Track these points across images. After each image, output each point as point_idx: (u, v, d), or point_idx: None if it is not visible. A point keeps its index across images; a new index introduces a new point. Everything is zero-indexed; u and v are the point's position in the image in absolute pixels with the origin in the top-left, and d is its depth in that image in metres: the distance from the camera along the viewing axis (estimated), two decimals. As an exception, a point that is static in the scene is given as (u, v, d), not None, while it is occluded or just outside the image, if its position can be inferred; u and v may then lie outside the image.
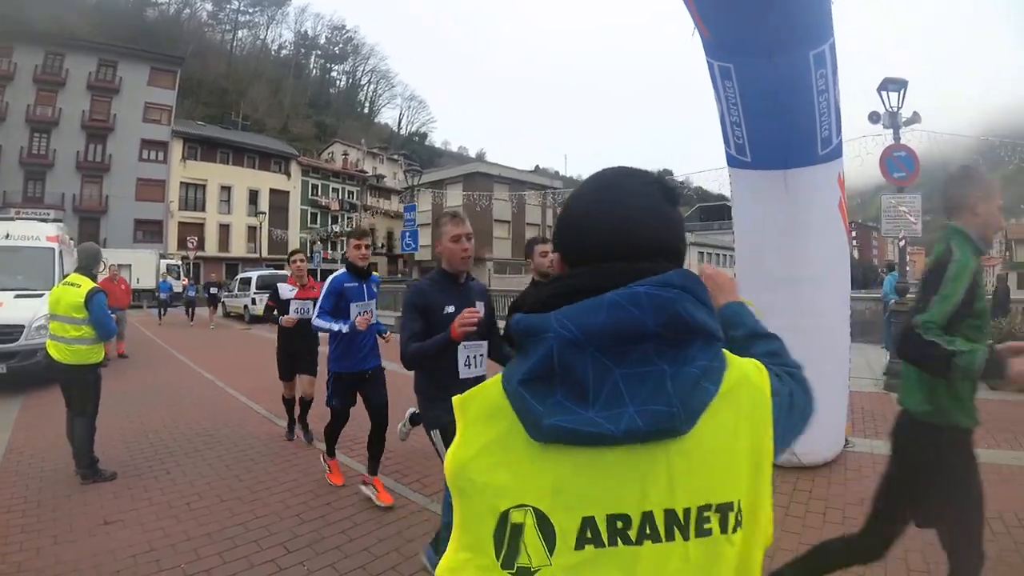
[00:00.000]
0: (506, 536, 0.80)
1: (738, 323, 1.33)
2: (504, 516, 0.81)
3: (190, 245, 42.24)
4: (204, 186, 50.69)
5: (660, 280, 0.85)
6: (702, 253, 58.67)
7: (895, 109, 9.05)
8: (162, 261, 37.06)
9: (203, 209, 50.51)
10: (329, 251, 56.09)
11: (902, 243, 9.58)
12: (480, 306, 3.26)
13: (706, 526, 0.82)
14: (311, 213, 59.18)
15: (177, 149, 49.05)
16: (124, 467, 5.68)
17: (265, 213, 48.94)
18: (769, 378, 0.93)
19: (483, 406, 0.88)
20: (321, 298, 4.89)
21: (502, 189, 46.08)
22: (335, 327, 4.71)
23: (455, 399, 0.90)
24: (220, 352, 14.71)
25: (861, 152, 11.63)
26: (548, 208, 54.74)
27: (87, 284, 5.46)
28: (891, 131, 9.16)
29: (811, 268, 5.44)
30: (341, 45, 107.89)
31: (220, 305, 23.70)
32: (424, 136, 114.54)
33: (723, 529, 0.83)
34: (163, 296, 23.63)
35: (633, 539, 0.80)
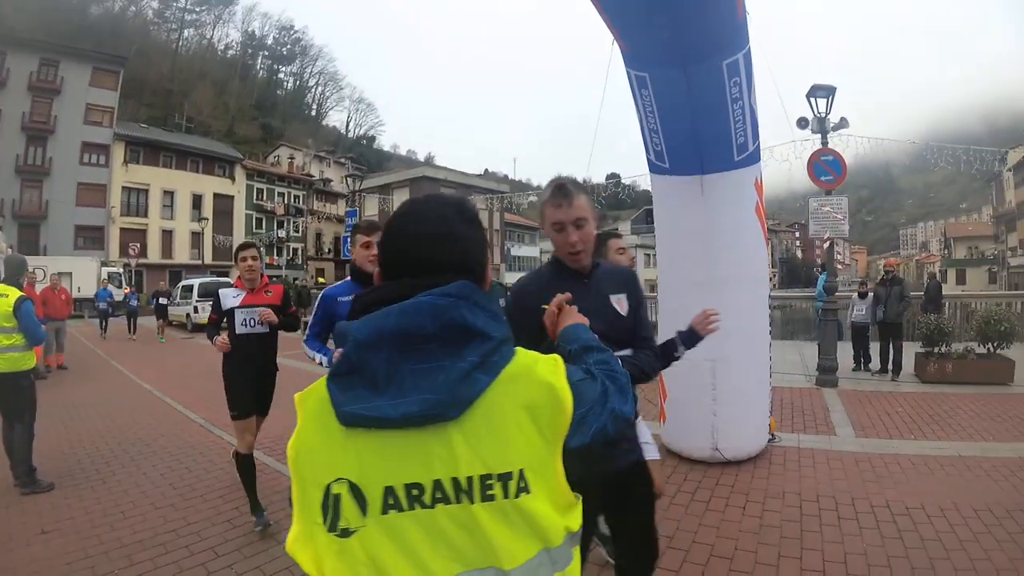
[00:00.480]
0: (330, 505, 1.01)
1: (574, 339, 1.51)
2: (327, 488, 1.01)
3: (132, 252, 40.07)
4: (147, 191, 48.89)
5: (441, 291, 1.04)
6: (648, 255, 59.38)
7: (823, 115, 9.39)
8: (103, 268, 35.81)
9: (146, 215, 48.74)
10: (275, 256, 55.40)
11: (826, 244, 10.01)
12: None
13: (489, 492, 1.01)
14: (256, 218, 57.82)
15: (119, 152, 47.22)
16: (62, 477, 5.65)
17: (208, 219, 48.18)
18: (564, 372, 1.11)
19: (314, 400, 1.06)
20: (311, 318, 3.86)
21: (448, 192, 46.04)
22: (316, 358, 3.73)
23: (296, 396, 1.08)
24: (160, 362, 14.43)
25: (790, 157, 11.98)
26: (496, 212, 55.28)
27: (14, 293, 5.52)
28: (819, 136, 9.50)
29: (728, 270, 5.63)
30: (289, 46, 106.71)
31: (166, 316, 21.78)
32: (372, 139, 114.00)
33: (505, 495, 1.01)
34: (102, 306, 21.51)
35: (428, 503, 1.00)
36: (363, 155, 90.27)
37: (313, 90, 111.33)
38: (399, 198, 46.81)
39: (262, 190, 59.28)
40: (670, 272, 6.12)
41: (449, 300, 1.04)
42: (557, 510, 1.07)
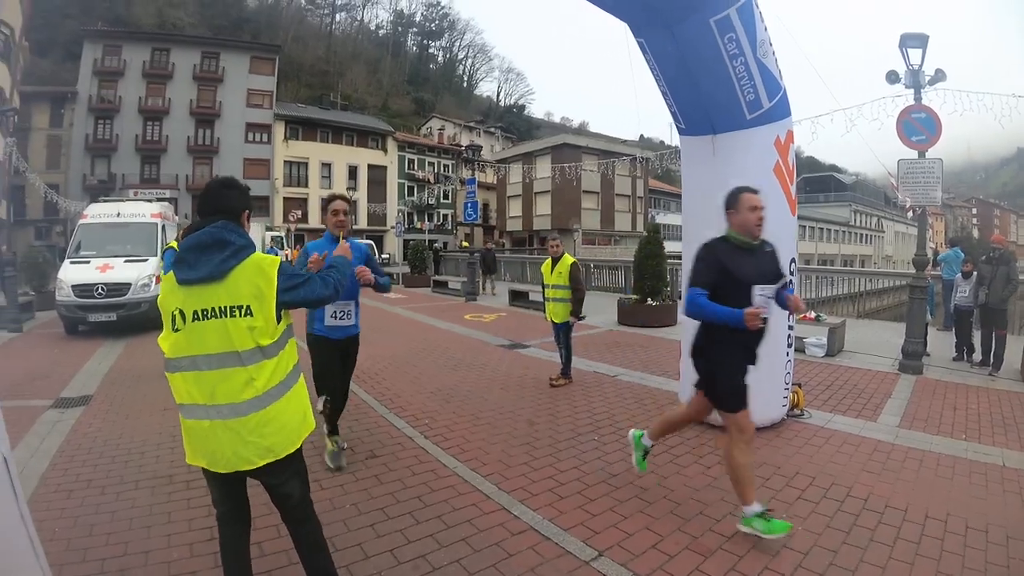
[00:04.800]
0: (171, 319, 2.38)
1: (330, 266, 2.78)
2: (171, 312, 2.38)
3: (291, 218, 44.64)
4: (306, 163, 53.42)
5: (214, 223, 2.41)
6: (803, 226, 55.67)
7: (916, 67, 8.43)
8: (267, 233, 39.56)
9: (306, 185, 53.24)
10: (425, 222, 57.93)
11: (918, 212, 8.97)
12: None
13: (233, 314, 2.33)
14: (408, 186, 61.18)
15: (280, 130, 51.94)
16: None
17: (354, 188, 52.19)
18: (277, 265, 2.41)
19: (168, 274, 2.47)
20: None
21: (591, 160, 45.71)
22: None
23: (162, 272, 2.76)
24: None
25: (881, 115, 10.77)
26: (639, 179, 54.06)
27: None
28: (912, 91, 8.55)
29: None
30: (437, 21, 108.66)
31: None
32: (522, 108, 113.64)
33: (241, 315, 2.33)
34: None
35: (210, 317, 2.33)
36: (513, 124, 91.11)
37: (463, 62, 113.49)
38: (542, 165, 47.40)
39: (413, 160, 62.64)
40: (689, 232, 5.96)
41: (217, 227, 2.39)
42: (267, 330, 2.37)
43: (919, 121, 8.33)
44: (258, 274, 2.35)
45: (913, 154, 8.39)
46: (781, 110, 5.45)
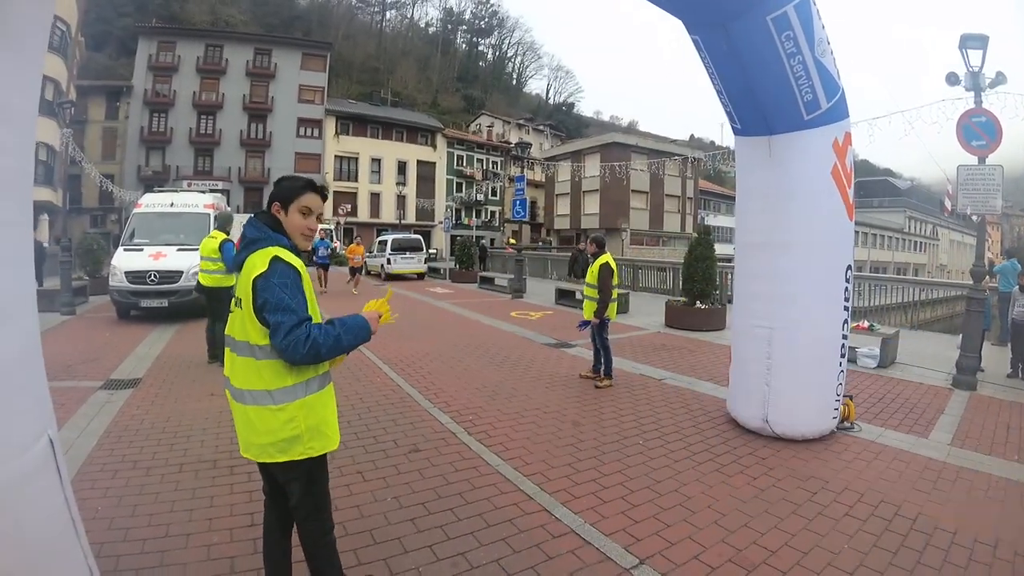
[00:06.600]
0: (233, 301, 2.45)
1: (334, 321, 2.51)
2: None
3: (340, 212, 45.43)
4: (356, 158, 54.31)
5: (250, 219, 2.50)
6: (856, 232, 54.13)
7: (976, 69, 8.07)
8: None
9: (356, 179, 54.17)
10: (473, 218, 58.16)
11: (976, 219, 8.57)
12: None
13: (239, 304, 2.36)
14: (456, 183, 61.68)
15: (330, 126, 52.88)
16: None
17: (403, 183, 53.27)
18: (267, 265, 2.25)
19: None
20: None
21: (640, 159, 45.35)
22: None
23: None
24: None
25: (940, 118, 10.32)
26: (689, 179, 53.31)
27: (220, 236, 8.26)
28: (972, 94, 8.18)
29: (793, 235, 5.33)
30: (486, 19, 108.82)
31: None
32: (571, 106, 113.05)
33: (241, 307, 2.33)
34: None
35: (235, 306, 2.40)
36: (563, 122, 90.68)
37: (512, 60, 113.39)
38: (591, 163, 47.42)
39: (462, 156, 63.16)
40: (742, 234, 5.93)
41: (246, 224, 2.46)
42: (256, 331, 2.28)
43: (979, 125, 7.98)
44: (248, 271, 2.29)
45: (973, 160, 8.06)
46: (839, 111, 5.28)
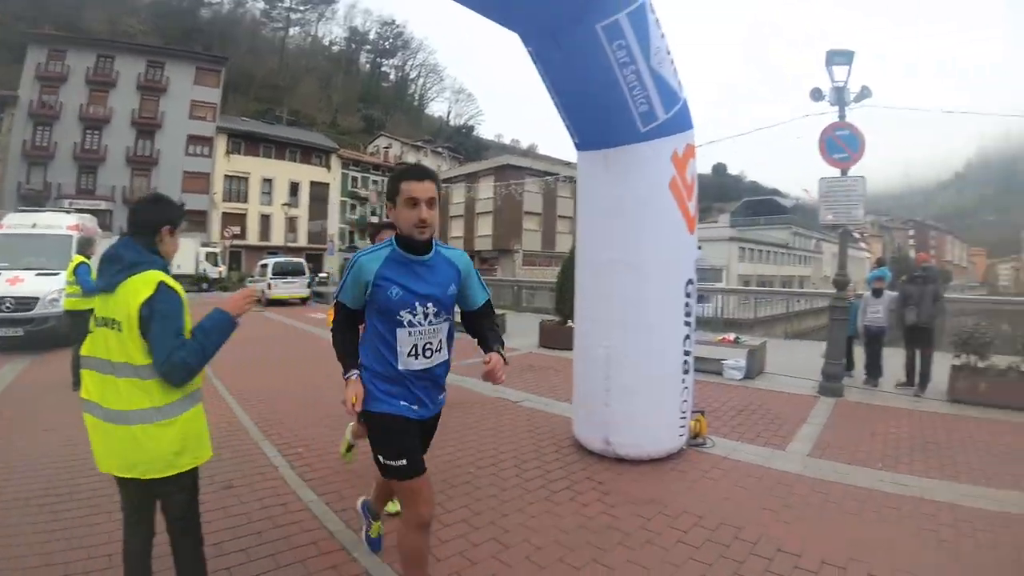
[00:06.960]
0: (94, 322, 2.48)
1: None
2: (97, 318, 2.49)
3: (226, 234, 43.70)
4: (247, 179, 52.53)
5: (121, 239, 2.52)
6: (743, 248, 56.54)
7: (841, 84, 8.30)
8: (202, 249, 38.68)
9: (246, 200, 52.37)
10: (367, 240, 56.98)
11: (838, 232, 8.80)
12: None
13: (111, 326, 2.35)
14: (350, 204, 60.97)
15: (221, 144, 50.93)
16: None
17: (288, 204, 52.11)
18: (153, 289, 2.32)
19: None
20: None
21: (535, 182, 45.93)
22: None
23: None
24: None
25: (804, 134, 10.71)
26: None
27: (77, 259, 8.06)
28: (837, 109, 8.40)
29: (627, 254, 5.17)
30: (391, 40, 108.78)
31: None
32: (471, 129, 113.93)
33: (119, 330, 2.32)
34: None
35: (100, 325, 2.40)
36: (462, 144, 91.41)
37: (415, 81, 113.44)
38: (485, 185, 47.64)
39: (357, 178, 62.48)
40: (580, 252, 5.75)
41: (117, 244, 2.49)
42: (140, 350, 2.32)
43: (842, 138, 8.24)
44: (131, 295, 2.32)
45: (837, 172, 8.32)
46: (679, 122, 5.16)
